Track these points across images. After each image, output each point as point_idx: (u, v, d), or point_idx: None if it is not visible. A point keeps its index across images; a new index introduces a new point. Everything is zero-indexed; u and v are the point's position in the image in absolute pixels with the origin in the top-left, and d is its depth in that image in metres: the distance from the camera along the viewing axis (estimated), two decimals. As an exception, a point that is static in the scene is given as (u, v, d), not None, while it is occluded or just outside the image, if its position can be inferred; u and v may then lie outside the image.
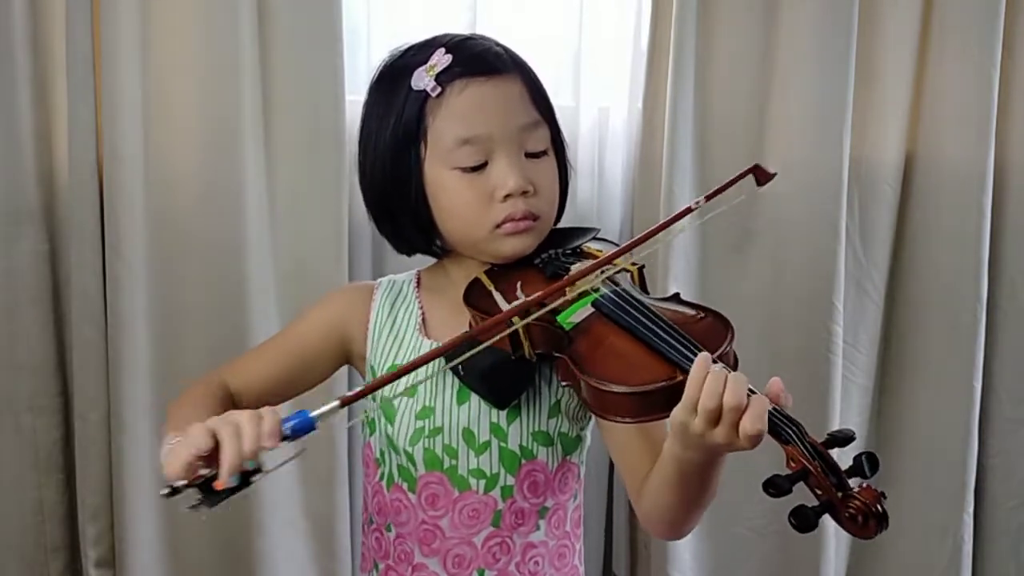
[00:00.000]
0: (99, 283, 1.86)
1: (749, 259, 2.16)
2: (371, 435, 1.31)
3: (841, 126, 2.09)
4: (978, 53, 2.13)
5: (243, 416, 0.99)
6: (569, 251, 1.28)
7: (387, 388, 1.11)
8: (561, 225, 1.34)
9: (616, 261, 1.19)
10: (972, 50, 2.13)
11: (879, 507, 0.95)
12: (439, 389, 1.24)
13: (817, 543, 2.18)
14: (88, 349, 1.87)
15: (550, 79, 1.33)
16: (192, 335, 1.92)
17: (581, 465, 1.33)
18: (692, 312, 1.16)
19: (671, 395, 1.04)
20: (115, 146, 1.81)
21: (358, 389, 1.05)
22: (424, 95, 1.22)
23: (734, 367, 1.06)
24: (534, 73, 1.29)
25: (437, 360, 1.13)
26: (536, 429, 1.25)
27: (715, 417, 0.99)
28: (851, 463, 0.98)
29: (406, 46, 1.29)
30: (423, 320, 1.31)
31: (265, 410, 1.01)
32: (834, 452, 0.99)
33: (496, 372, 1.18)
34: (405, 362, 1.27)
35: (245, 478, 0.98)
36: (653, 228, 1.19)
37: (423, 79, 1.22)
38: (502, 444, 1.25)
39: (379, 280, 1.38)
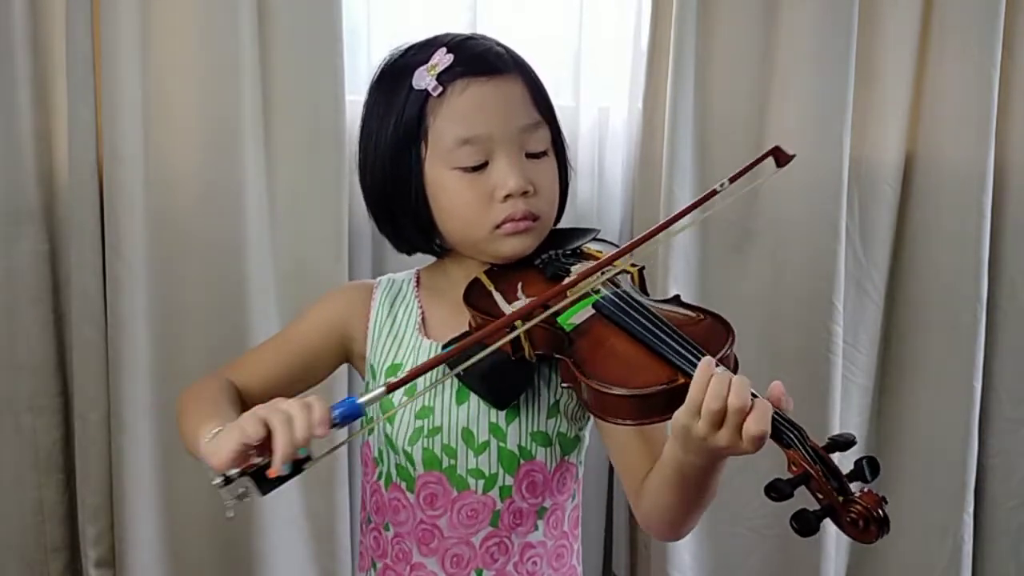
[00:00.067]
0: (99, 283, 1.86)
1: (749, 259, 2.16)
2: (370, 434, 1.31)
3: (841, 126, 2.09)
4: (978, 53, 2.13)
5: (293, 405, 1.00)
6: (569, 252, 1.28)
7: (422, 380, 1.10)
8: (561, 225, 1.34)
9: (616, 263, 1.19)
10: (972, 50, 2.13)
11: (880, 512, 0.95)
12: (438, 389, 1.24)
13: (817, 543, 2.18)
14: (88, 349, 1.87)
15: (550, 79, 1.33)
16: (192, 335, 1.92)
17: (579, 465, 1.33)
18: (693, 314, 1.16)
19: (672, 398, 1.04)
20: (115, 146, 1.81)
21: (403, 375, 1.06)
22: (425, 94, 1.22)
23: (734, 370, 1.06)
24: (535, 73, 1.29)
25: (441, 366, 1.13)
26: (535, 429, 1.25)
27: (719, 420, 1.00)
28: (852, 467, 0.98)
29: (407, 45, 1.29)
30: (423, 319, 1.31)
31: (313, 398, 1.02)
32: (835, 456, 0.99)
33: (496, 373, 1.18)
34: (405, 361, 1.28)
35: (297, 466, 0.99)
36: (661, 224, 1.19)
37: (424, 78, 1.22)
38: (501, 444, 1.25)
39: (378, 279, 1.38)
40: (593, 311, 1.16)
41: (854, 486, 0.97)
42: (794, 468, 0.98)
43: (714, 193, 1.20)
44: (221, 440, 1.02)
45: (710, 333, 1.10)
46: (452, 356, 1.10)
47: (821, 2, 2.05)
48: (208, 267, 1.90)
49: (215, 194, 1.88)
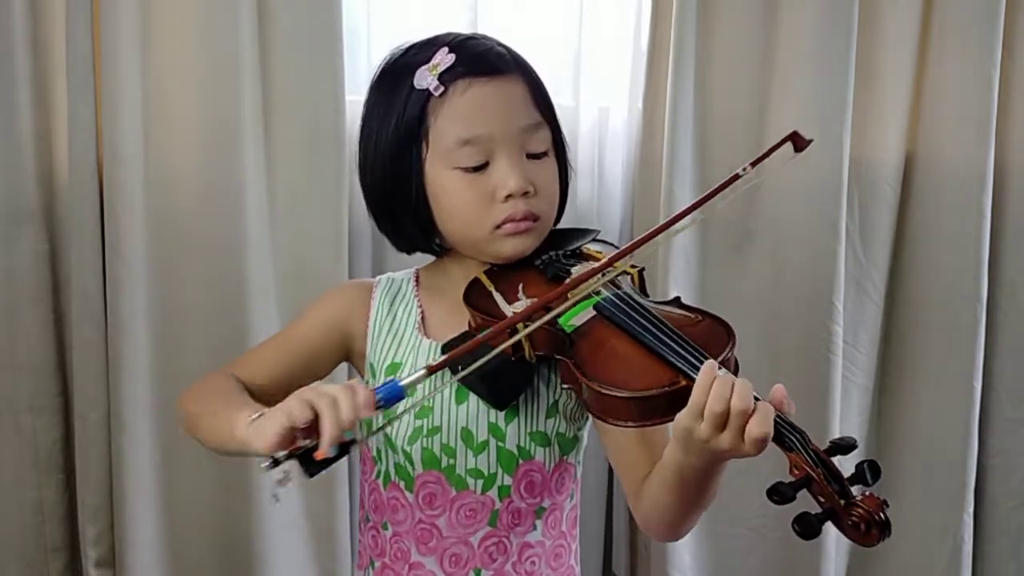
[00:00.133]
0: (99, 283, 1.86)
1: (749, 259, 2.16)
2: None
3: (841, 126, 2.09)
4: (978, 53, 2.12)
5: (336, 388, 1.01)
6: (569, 253, 1.28)
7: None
8: (561, 225, 1.34)
9: (616, 264, 1.19)
10: (972, 50, 2.13)
11: (882, 515, 0.95)
12: (437, 387, 1.24)
13: (817, 544, 2.18)
14: (88, 349, 1.87)
15: (550, 79, 1.33)
16: (192, 335, 1.92)
17: (578, 465, 1.33)
18: (693, 316, 1.16)
19: (672, 400, 1.04)
20: (115, 146, 1.81)
21: (443, 357, 1.07)
22: (426, 94, 1.22)
23: (735, 372, 1.06)
24: (536, 74, 1.29)
25: (443, 371, 1.13)
26: (534, 429, 1.25)
27: (722, 422, 1.00)
28: (853, 471, 0.99)
29: (408, 44, 1.29)
30: (422, 319, 1.31)
31: (355, 382, 1.03)
32: (836, 460, 0.99)
33: (496, 373, 1.18)
34: (404, 360, 1.27)
35: (343, 447, 1.00)
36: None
37: (426, 78, 1.22)
38: (500, 444, 1.25)
39: (378, 278, 1.38)
40: (594, 312, 1.16)
41: (855, 489, 0.98)
42: (796, 471, 0.98)
43: (737, 177, 1.20)
44: (265, 424, 1.02)
45: (711, 335, 1.10)
46: (487, 340, 1.10)
47: (821, 2, 2.05)
48: (208, 267, 1.90)
49: (215, 194, 1.88)
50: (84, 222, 1.84)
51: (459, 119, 1.21)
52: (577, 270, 1.20)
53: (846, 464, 0.99)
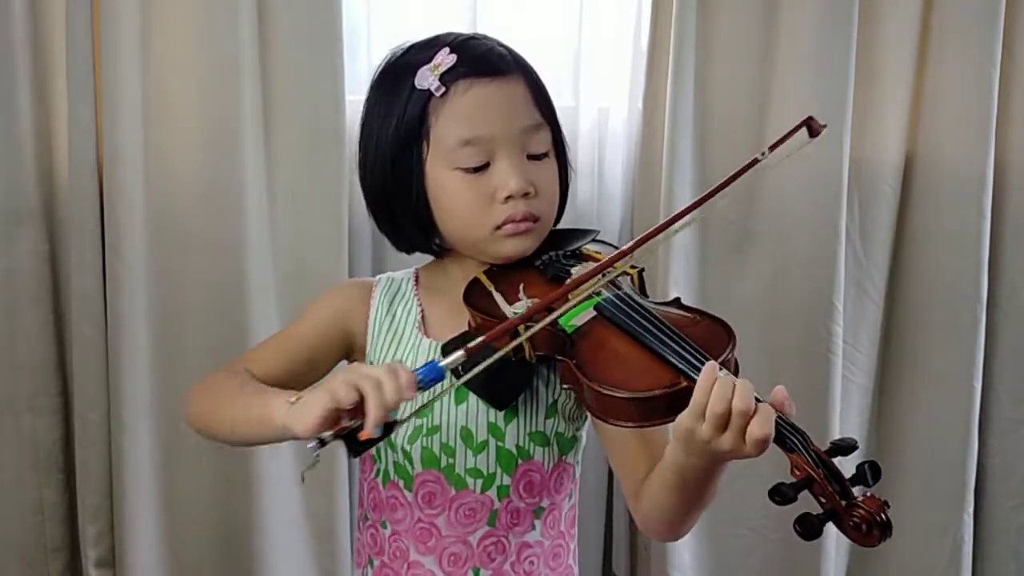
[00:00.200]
0: (99, 283, 1.86)
1: (749, 259, 2.16)
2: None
3: (841, 126, 2.09)
4: (978, 53, 2.13)
5: (380, 370, 1.02)
6: (569, 253, 1.28)
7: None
8: (561, 225, 1.34)
9: (616, 264, 1.19)
10: (972, 50, 2.13)
11: (883, 516, 0.95)
12: (437, 387, 1.24)
13: (817, 544, 2.18)
14: (88, 349, 1.87)
15: (550, 79, 1.33)
16: (192, 335, 1.92)
17: (577, 465, 1.33)
18: (693, 317, 1.16)
19: (673, 401, 1.04)
20: (115, 146, 1.82)
21: (480, 338, 1.08)
22: (427, 94, 1.22)
23: (735, 373, 1.06)
24: (537, 75, 1.29)
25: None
26: (533, 429, 1.26)
27: (723, 423, 1.00)
28: (854, 471, 0.99)
29: (408, 44, 1.29)
30: (422, 318, 1.31)
31: (393, 364, 1.04)
32: (836, 460, 0.99)
33: (496, 374, 1.18)
34: (405, 359, 1.27)
35: (387, 427, 1.02)
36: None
37: (427, 78, 1.22)
38: (499, 444, 1.25)
39: (378, 277, 1.38)
40: (594, 313, 1.16)
41: (856, 490, 0.98)
42: (797, 472, 0.98)
43: (756, 162, 1.20)
44: (307, 407, 1.03)
45: (711, 336, 1.10)
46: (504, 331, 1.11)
47: (821, 2, 2.05)
48: (208, 267, 1.90)
49: (215, 194, 1.88)
50: (84, 222, 1.84)
51: (460, 119, 1.21)
52: (577, 270, 1.20)
53: (846, 465, 0.99)
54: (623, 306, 1.15)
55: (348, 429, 1.02)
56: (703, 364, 1.03)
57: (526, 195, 1.22)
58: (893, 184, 2.19)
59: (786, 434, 1.00)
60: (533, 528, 1.29)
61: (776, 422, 0.99)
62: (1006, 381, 2.30)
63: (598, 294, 1.17)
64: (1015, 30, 2.17)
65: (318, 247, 1.94)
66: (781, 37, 2.08)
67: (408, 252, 1.34)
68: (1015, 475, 2.32)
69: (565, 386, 1.17)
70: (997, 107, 2.15)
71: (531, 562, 1.29)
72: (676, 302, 1.21)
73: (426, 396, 1.07)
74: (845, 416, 2.22)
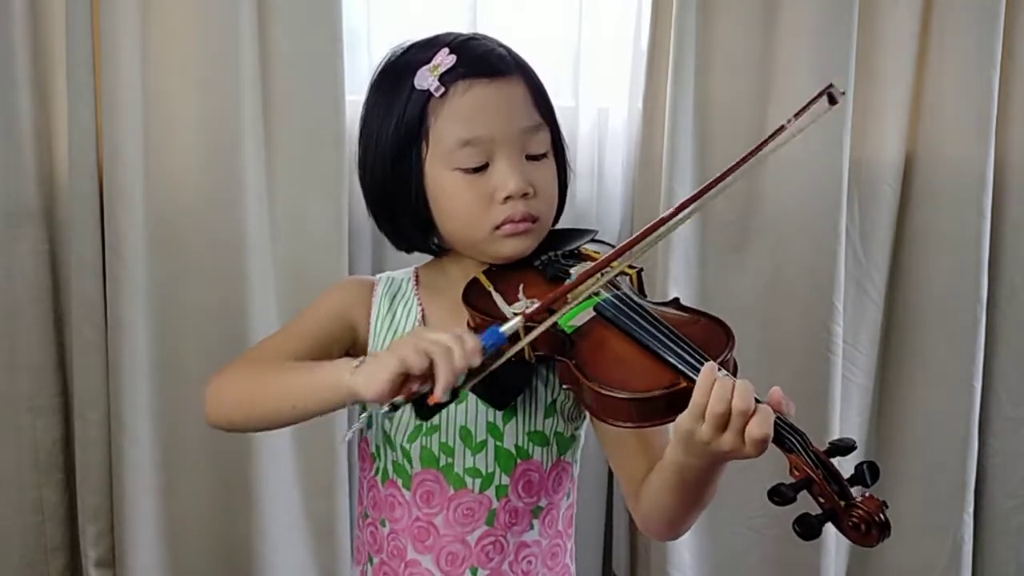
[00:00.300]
0: (99, 283, 1.86)
1: (749, 259, 2.16)
2: (368, 429, 1.31)
3: (841, 126, 2.09)
4: (978, 53, 2.13)
5: (447, 336, 1.05)
6: (568, 253, 1.28)
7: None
8: (560, 225, 1.34)
9: (613, 264, 1.19)
10: (972, 50, 2.13)
11: (881, 516, 0.95)
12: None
13: (817, 543, 2.18)
14: (88, 349, 1.88)
15: (550, 79, 1.33)
16: (192, 335, 1.92)
17: (575, 464, 1.33)
18: (692, 318, 1.16)
19: (672, 401, 1.04)
20: (115, 146, 1.82)
21: (536, 304, 1.11)
22: (427, 95, 1.22)
23: (734, 373, 1.06)
24: (536, 75, 1.29)
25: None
26: (532, 429, 1.26)
27: (723, 423, 1.00)
28: (853, 472, 0.99)
29: (408, 43, 1.29)
30: (422, 317, 1.31)
31: (460, 330, 1.07)
32: (835, 461, 0.99)
33: (496, 374, 1.18)
34: None
35: (454, 392, 1.05)
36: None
37: (427, 79, 1.22)
38: (498, 443, 1.25)
39: (378, 276, 1.37)
40: (594, 313, 1.16)
41: (855, 490, 0.98)
42: (796, 472, 0.98)
43: (782, 129, 1.20)
44: (377, 370, 1.05)
45: (710, 336, 1.10)
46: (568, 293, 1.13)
47: (821, 2, 2.06)
48: (208, 267, 1.90)
49: (215, 194, 1.88)
50: (84, 222, 1.84)
51: (459, 120, 1.21)
52: (576, 270, 1.20)
53: (845, 465, 0.99)
54: (622, 306, 1.15)
55: (418, 394, 1.05)
56: (702, 365, 1.03)
57: (525, 195, 1.22)
58: (893, 184, 2.19)
59: (785, 435, 1.00)
60: (531, 528, 1.29)
61: (775, 423, 0.99)
62: (1006, 381, 2.30)
63: (597, 294, 1.17)
64: (1015, 30, 2.17)
65: (318, 247, 1.94)
66: (781, 37, 2.08)
67: (407, 251, 1.34)
68: (1015, 475, 2.32)
69: (564, 386, 1.17)
70: (997, 107, 2.15)
71: (529, 562, 1.29)
72: (675, 302, 1.22)
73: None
74: (845, 416, 2.22)
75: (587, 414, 1.28)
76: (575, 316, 1.15)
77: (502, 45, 1.29)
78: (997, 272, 2.25)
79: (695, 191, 1.20)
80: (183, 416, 1.93)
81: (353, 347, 1.35)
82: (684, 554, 2.18)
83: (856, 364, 2.24)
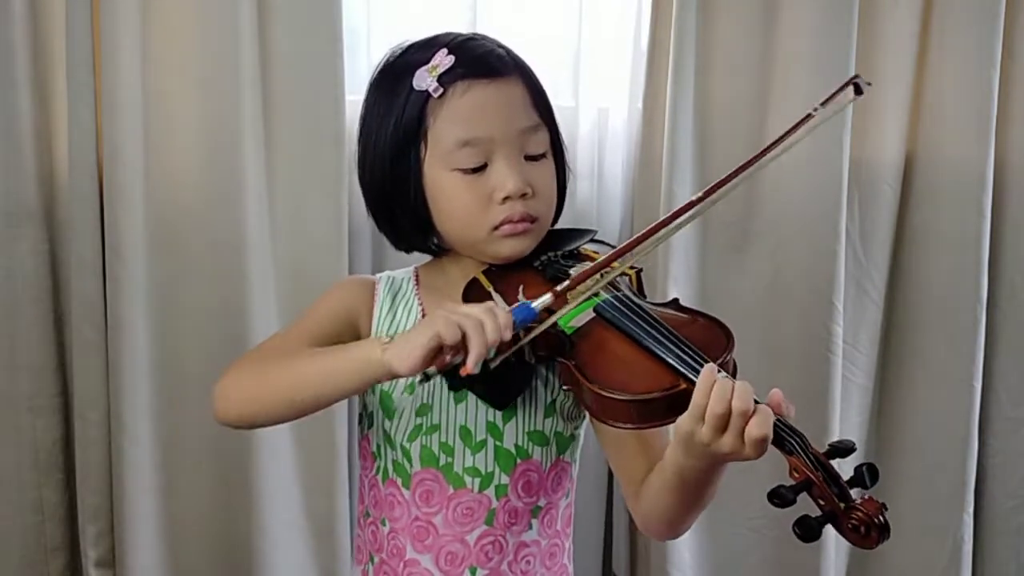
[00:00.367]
0: (99, 283, 1.86)
1: (749, 259, 2.16)
2: (369, 428, 1.31)
3: (841, 126, 2.09)
4: (978, 53, 2.13)
5: (479, 310, 1.07)
6: (567, 253, 1.28)
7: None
8: (560, 225, 1.34)
9: (613, 264, 1.19)
10: (972, 50, 2.13)
11: (881, 518, 0.95)
12: (437, 387, 1.25)
13: (817, 544, 2.18)
14: (88, 349, 1.88)
15: (550, 79, 1.33)
16: (192, 335, 1.92)
17: (574, 464, 1.33)
18: (692, 319, 1.16)
19: (672, 403, 1.04)
20: (115, 146, 1.82)
21: (566, 283, 1.13)
22: (426, 95, 1.22)
23: (733, 375, 1.06)
24: (535, 75, 1.29)
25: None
26: (532, 429, 1.26)
27: (723, 424, 1.00)
28: (852, 474, 0.99)
29: (407, 43, 1.29)
30: (423, 317, 1.31)
31: (492, 304, 1.09)
32: (835, 462, 1.00)
33: (496, 374, 1.18)
34: None
35: (485, 365, 1.07)
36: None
37: (425, 79, 1.22)
38: (497, 443, 1.25)
39: (378, 275, 1.37)
40: (593, 314, 1.16)
41: (854, 492, 0.98)
42: (796, 474, 0.99)
43: (809, 117, 1.22)
44: (409, 344, 1.07)
45: (710, 338, 1.10)
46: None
47: (821, 2, 2.06)
48: (208, 267, 1.90)
49: (215, 194, 1.89)
50: (84, 222, 1.84)
51: (458, 121, 1.21)
52: (575, 271, 1.20)
53: (845, 467, 0.99)
54: (622, 307, 1.15)
55: (451, 365, 1.07)
56: (702, 366, 1.03)
57: (524, 196, 1.22)
58: (893, 184, 2.19)
59: (785, 437, 1.00)
60: (530, 527, 1.29)
61: (775, 425, 1.00)
62: (1006, 381, 2.30)
63: (597, 295, 1.17)
64: (1015, 30, 2.17)
65: (318, 247, 1.94)
66: (781, 37, 2.08)
67: (407, 251, 1.34)
68: (1015, 475, 2.32)
69: (565, 387, 1.17)
70: (997, 107, 2.15)
71: (528, 561, 1.30)
72: (674, 303, 1.22)
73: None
74: (845, 416, 2.22)
75: (586, 414, 1.28)
76: (575, 317, 1.16)
77: (501, 45, 1.29)
78: (997, 272, 2.25)
79: (723, 176, 1.20)
80: (183, 416, 1.93)
81: None
82: (684, 554, 2.18)
83: (856, 364, 2.24)
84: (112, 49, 1.79)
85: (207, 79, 1.85)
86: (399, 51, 1.29)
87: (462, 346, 1.06)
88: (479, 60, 1.23)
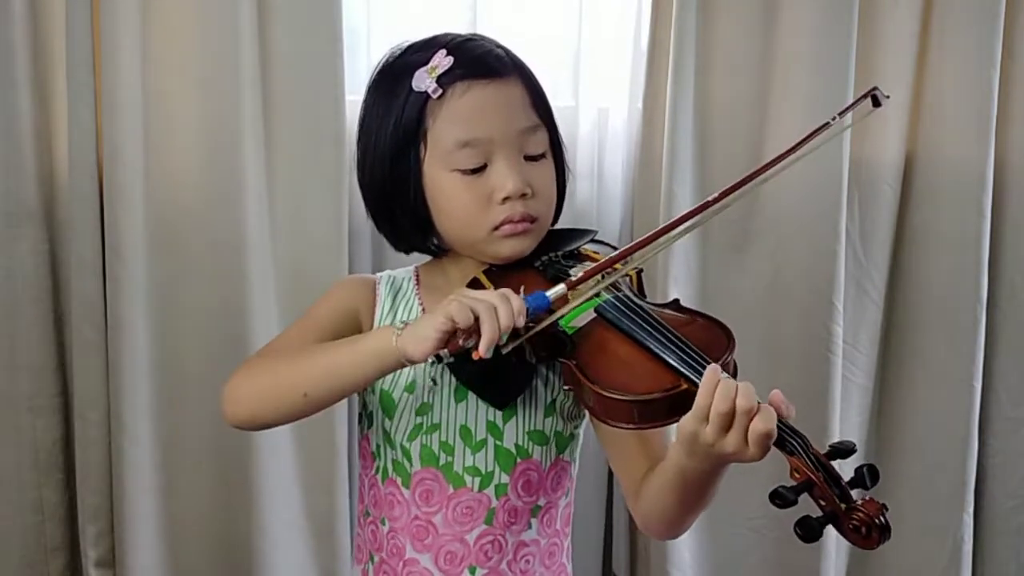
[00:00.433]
0: (99, 283, 1.86)
1: (749, 259, 2.16)
2: (369, 428, 1.31)
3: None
4: (978, 53, 2.13)
5: (493, 295, 1.09)
6: (568, 254, 1.28)
7: None
8: (560, 225, 1.34)
9: (616, 266, 1.19)
10: (972, 50, 2.13)
11: (882, 519, 0.95)
12: (438, 387, 1.25)
13: (817, 544, 2.18)
14: (88, 349, 1.88)
15: (550, 79, 1.34)
16: (192, 335, 1.92)
17: (574, 463, 1.33)
18: (692, 319, 1.16)
19: (674, 403, 1.04)
20: (115, 146, 1.82)
21: (580, 274, 1.15)
22: (425, 96, 1.22)
23: (734, 375, 1.06)
24: (534, 76, 1.29)
25: (439, 365, 1.21)
26: (532, 428, 1.26)
27: (727, 423, 1.00)
28: (853, 475, 0.99)
29: (406, 44, 1.29)
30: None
31: (506, 291, 1.10)
32: (835, 463, 1.00)
33: (497, 373, 1.18)
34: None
35: (497, 350, 1.08)
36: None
37: (424, 80, 1.22)
38: (498, 443, 1.25)
39: (378, 275, 1.38)
40: (595, 315, 1.16)
41: (855, 493, 0.98)
42: (797, 475, 0.99)
43: (827, 125, 1.24)
44: (423, 331, 1.09)
45: (710, 338, 1.10)
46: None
47: (821, 2, 2.05)
48: (208, 267, 1.90)
49: (215, 194, 1.89)
50: (84, 222, 1.84)
51: (458, 121, 1.21)
52: (576, 271, 1.20)
53: (845, 468, 0.99)
54: (623, 308, 1.15)
55: (463, 349, 1.08)
56: (703, 367, 1.03)
57: (524, 196, 1.22)
58: (893, 184, 2.19)
59: (786, 437, 1.00)
60: (530, 527, 1.29)
61: (776, 425, 1.00)
62: (1006, 381, 2.30)
63: (598, 295, 1.17)
64: (1015, 30, 2.17)
65: (318, 247, 1.94)
66: (781, 37, 2.08)
67: (407, 252, 1.34)
68: (1015, 475, 2.32)
69: (566, 387, 1.17)
70: (997, 107, 2.15)
71: (527, 561, 1.30)
72: (675, 304, 1.22)
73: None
74: (845, 416, 2.22)
75: (586, 413, 1.28)
76: (576, 317, 1.16)
77: (500, 46, 1.29)
78: (997, 272, 2.25)
79: (740, 179, 1.21)
80: (183, 416, 1.93)
81: None
82: (684, 554, 2.18)
83: (856, 364, 2.24)
84: (112, 49, 1.79)
85: (207, 79, 1.85)
86: (398, 52, 1.29)
87: (475, 329, 1.06)
88: (478, 61, 1.23)
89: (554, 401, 1.26)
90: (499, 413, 1.24)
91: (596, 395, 1.07)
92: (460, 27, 1.94)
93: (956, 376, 2.23)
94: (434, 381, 1.08)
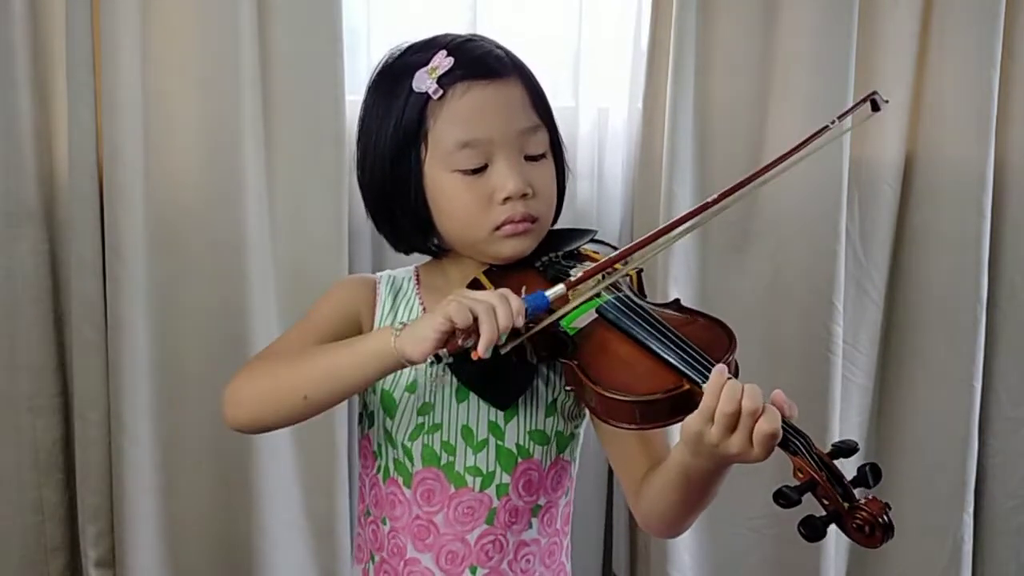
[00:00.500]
0: (99, 283, 1.86)
1: (749, 259, 2.16)
2: (370, 428, 1.31)
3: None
4: (978, 53, 2.13)
5: (492, 296, 1.09)
6: (568, 254, 1.28)
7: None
8: (560, 225, 1.34)
9: (616, 266, 1.19)
10: (972, 50, 2.13)
11: (885, 518, 0.96)
12: (438, 386, 1.25)
13: (817, 543, 2.18)
14: (88, 349, 1.88)
15: (550, 79, 1.34)
16: (192, 335, 1.92)
17: (574, 463, 1.34)
18: (693, 319, 1.16)
19: (675, 404, 1.04)
20: (115, 146, 1.82)
21: (579, 274, 1.15)
22: (425, 97, 1.22)
23: (735, 375, 1.06)
24: (534, 76, 1.29)
25: (438, 365, 1.21)
26: (533, 428, 1.26)
27: (732, 424, 1.01)
28: (855, 474, 1.00)
29: (406, 45, 1.29)
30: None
31: (505, 291, 1.10)
32: (838, 462, 1.00)
33: (498, 373, 1.19)
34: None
35: (496, 350, 1.08)
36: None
37: (424, 81, 1.22)
38: (499, 443, 1.25)
39: (378, 275, 1.38)
40: (596, 315, 1.16)
41: (857, 492, 0.98)
42: (800, 475, 0.99)
43: (826, 129, 1.24)
44: (422, 331, 1.09)
45: (712, 338, 1.10)
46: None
47: (821, 2, 2.05)
48: (208, 267, 1.90)
49: (215, 194, 1.88)
50: (84, 222, 1.84)
51: (458, 122, 1.21)
52: (576, 271, 1.20)
53: (847, 467, 0.99)
54: (624, 308, 1.15)
55: (462, 349, 1.08)
56: (705, 367, 1.04)
57: (524, 196, 1.22)
58: (893, 184, 2.19)
59: (789, 437, 1.01)
60: (530, 526, 1.29)
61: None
62: (1006, 381, 2.30)
63: (599, 296, 1.17)
64: (1015, 30, 2.17)
65: (318, 247, 1.94)
66: (781, 37, 2.08)
67: (407, 252, 1.34)
68: (1015, 475, 2.32)
69: (568, 388, 1.17)
70: (997, 107, 2.15)
71: (527, 560, 1.30)
72: (676, 304, 1.22)
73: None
74: (845, 416, 2.22)
75: (586, 412, 1.28)
76: (577, 317, 1.16)
77: (500, 46, 1.29)
78: (997, 272, 2.25)
79: (739, 181, 1.22)
80: (183, 416, 1.93)
81: None
82: (684, 554, 2.18)
83: (856, 364, 2.24)
84: (112, 49, 1.79)
85: (207, 79, 1.85)
86: (398, 52, 1.29)
87: (474, 330, 1.06)
88: (478, 61, 1.24)
89: (555, 401, 1.26)
90: (501, 413, 1.25)
91: (598, 396, 1.08)
92: (460, 27, 1.94)
93: (956, 376, 2.23)
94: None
